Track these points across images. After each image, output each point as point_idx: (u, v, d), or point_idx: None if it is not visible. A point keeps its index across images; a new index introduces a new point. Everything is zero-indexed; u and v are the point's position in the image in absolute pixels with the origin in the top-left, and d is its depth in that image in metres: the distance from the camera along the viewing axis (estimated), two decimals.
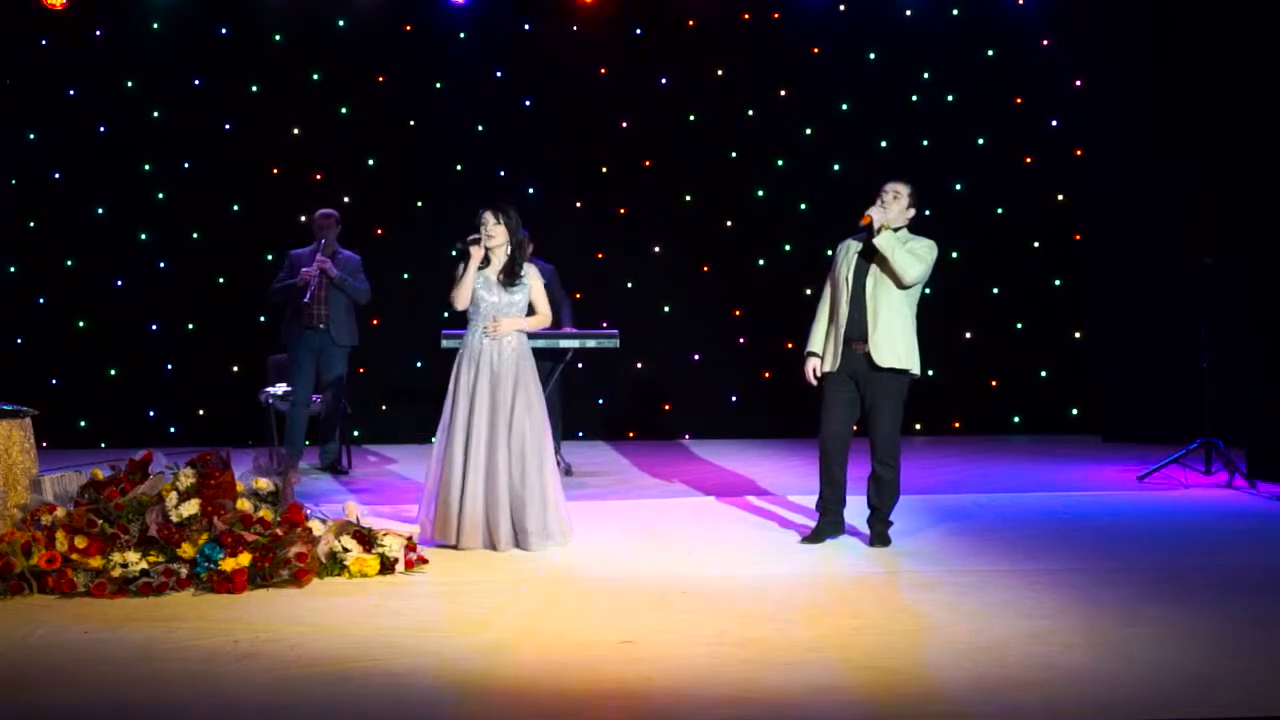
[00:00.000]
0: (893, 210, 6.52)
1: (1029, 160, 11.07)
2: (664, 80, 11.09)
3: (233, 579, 5.67)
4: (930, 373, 10.86)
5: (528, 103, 11.06)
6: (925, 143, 11.10)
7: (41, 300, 10.81)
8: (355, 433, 10.16)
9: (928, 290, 10.51)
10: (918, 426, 10.95)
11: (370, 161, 10.96)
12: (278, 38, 10.90)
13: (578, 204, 11.03)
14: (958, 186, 11.10)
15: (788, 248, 11.08)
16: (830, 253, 6.80)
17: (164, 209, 10.83)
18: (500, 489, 6.49)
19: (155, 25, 10.78)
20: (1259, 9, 9.79)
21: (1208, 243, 8.69)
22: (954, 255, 11.06)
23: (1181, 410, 9.33)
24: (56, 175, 10.79)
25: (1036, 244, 11.10)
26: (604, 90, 11.04)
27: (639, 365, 11.10)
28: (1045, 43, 11.02)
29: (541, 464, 6.59)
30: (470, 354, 6.63)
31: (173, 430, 10.75)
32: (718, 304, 11.05)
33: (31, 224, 10.77)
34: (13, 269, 10.80)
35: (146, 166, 10.84)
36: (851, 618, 5.21)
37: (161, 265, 10.86)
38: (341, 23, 10.91)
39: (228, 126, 10.84)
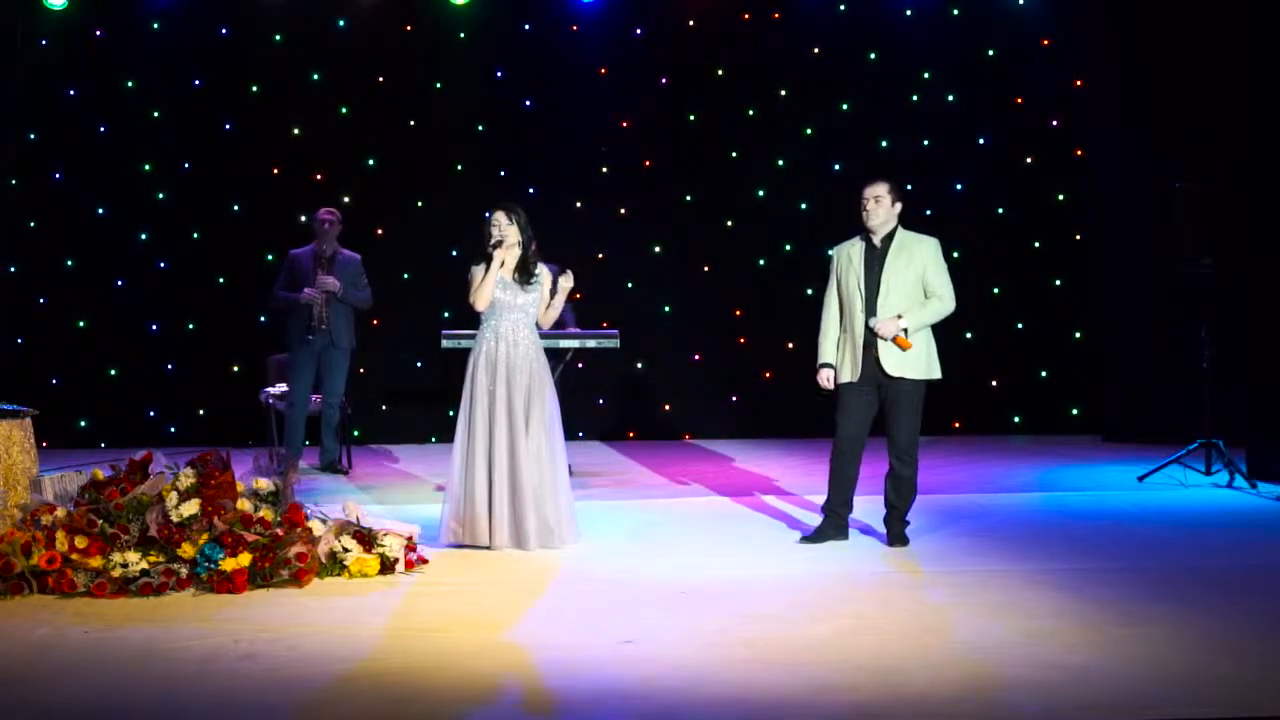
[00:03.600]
0: (879, 215, 6.47)
1: (1029, 160, 11.08)
2: (664, 80, 11.09)
3: (233, 579, 5.67)
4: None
5: (528, 103, 11.06)
6: (925, 143, 11.10)
7: (41, 300, 10.81)
8: (355, 433, 10.16)
9: None
10: None
11: (370, 161, 10.96)
12: (278, 38, 10.91)
13: (578, 204, 11.04)
14: (958, 186, 11.10)
15: (788, 248, 11.09)
16: (830, 254, 6.76)
17: (164, 209, 10.83)
18: (525, 488, 6.52)
19: (155, 25, 10.78)
20: (1259, 9, 9.79)
21: (1208, 243, 8.69)
22: (954, 255, 11.04)
23: (1181, 410, 9.32)
24: (56, 175, 10.79)
25: (1036, 244, 11.10)
26: (604, 90, 11.04)
27: (639, 365, 11.10)
28: (1045, 43, 11.03)
29: (559, 462, 6.65)
30: (486, 355, 6.66)
31: (173, 430, 10.75)
32: (718, 304, 11.06)
33: (31, 224, 10.78)
34: (13, 269, 10.80)
35: (146, 166, 10.84)
36: (851, 618, 5.21)
37: (161, 265, 10.87)
38: (341, 23, 10.92)
39: (228, 126, 10.85)
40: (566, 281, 6.76)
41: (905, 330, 6.37)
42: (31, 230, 10.77)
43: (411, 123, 10.96)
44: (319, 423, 9.31)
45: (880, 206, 6.47)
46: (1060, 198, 11.08)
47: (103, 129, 10.80)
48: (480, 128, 11.03)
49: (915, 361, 6.43)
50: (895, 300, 6.42)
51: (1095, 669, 4.48)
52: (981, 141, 11.11)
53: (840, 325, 6.58)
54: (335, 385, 9.17)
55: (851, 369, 6.49)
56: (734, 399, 11.13)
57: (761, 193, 11.12)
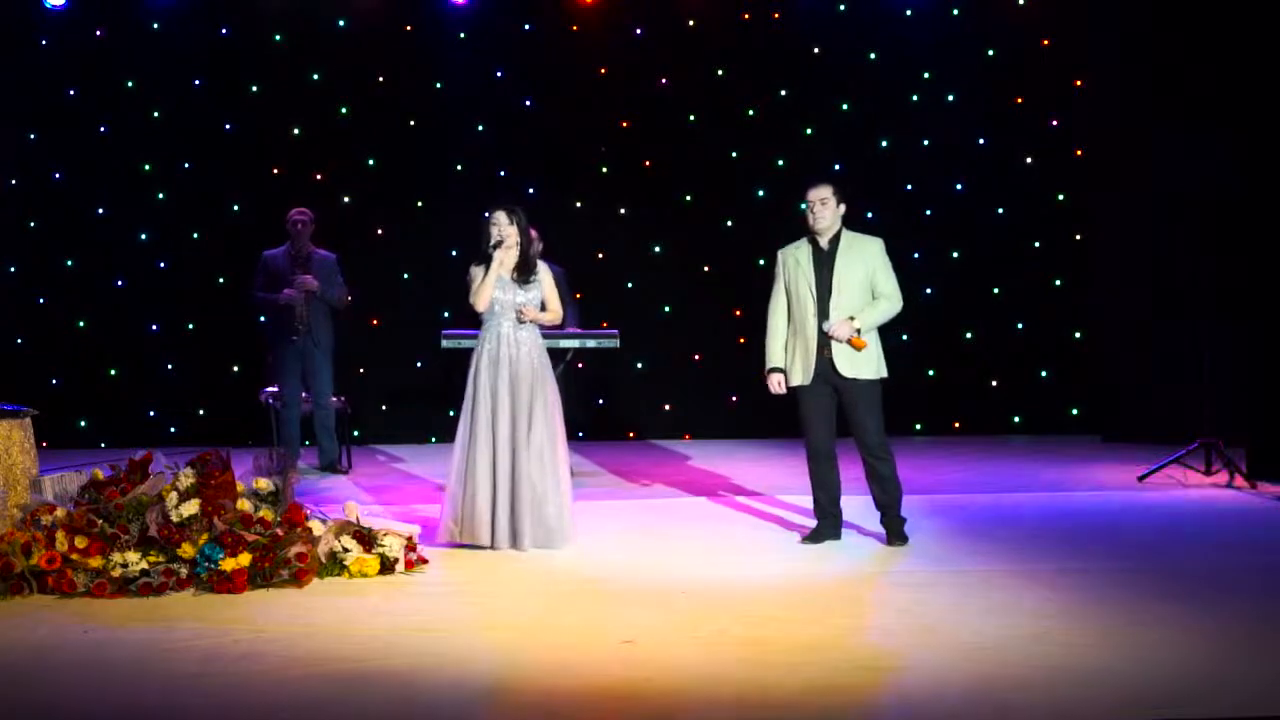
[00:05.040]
0: (825, 218, 6.50)
1: (1029, 160, 11.07)
2: (664, 80, 11.09)
3: (233, 579, 5.67)
4: (930, 373, 10.97)
5: (528, 103, 11.05)
6: (925, 143, 11.10)
7: (41, 300, 10.81)
8: (355, 433, 10.16)
9: (928, 290, 10.60)
10: (918, 427, 10.94)
11: (370, 161, 10.96)
12: (278, 38, 10.90)
13: (578, 204, 11.03)
14: (958, 186, 11.09)
15: None
16: (776, 258, 6.75)
17: (164, 209, 10.83)
18: (525, 489, 6.51)
19: (155, 25, 10.77)
20: (1259, 8, 9.78)
21: (1208, 243, 8.68)
22: (954, 255, 11.07)
23: (1181, 410, 9.32)
24: (56, 175, 10.79)
25: (1036, 244, 11.09)
26: (604, 90, 11.03)
27: (639, 365, 11.10)
28: (1045, 43, 11.02)
29: (559, 463, 6.64)
30: (489, 354, 6.66)
31: (173, 430, 10.74)
32: (718, 304, 11.05)
33: (31, 224, 10.77)
34: (13, 269, 10.80)
35: (146, 166, 10.84)
36: (851, 618, 5.21)
37: (161, 265, 10.86)
38: (341, 23, 10.91)
39: (228, 126, 10.84)
40: (533, 312, 6.73)
41: (859, 331, 6.39)
42: (31, 230, 10.77)
43: (411, 123, 10.95)
44: (314, 424, 9.32)
45: (826, 209, 6.53)
46: (1060, 198, 11.07)
47: (103, 129, 10.79)
48: (480, 128, 11.02)
49: (867, 361, 6.46)
50: (846, 301, 6.46)
51: (1096, 669, 4.48)
52: (981, 141, 11.10)
53: (789, 328, 6.60)
54: (322, 386, 9.20)
55: (803, 371, 6.52)
56: (734, 399, 11.12)
57: (761, 193, 11.12)
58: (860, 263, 6.51)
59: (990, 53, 11.07)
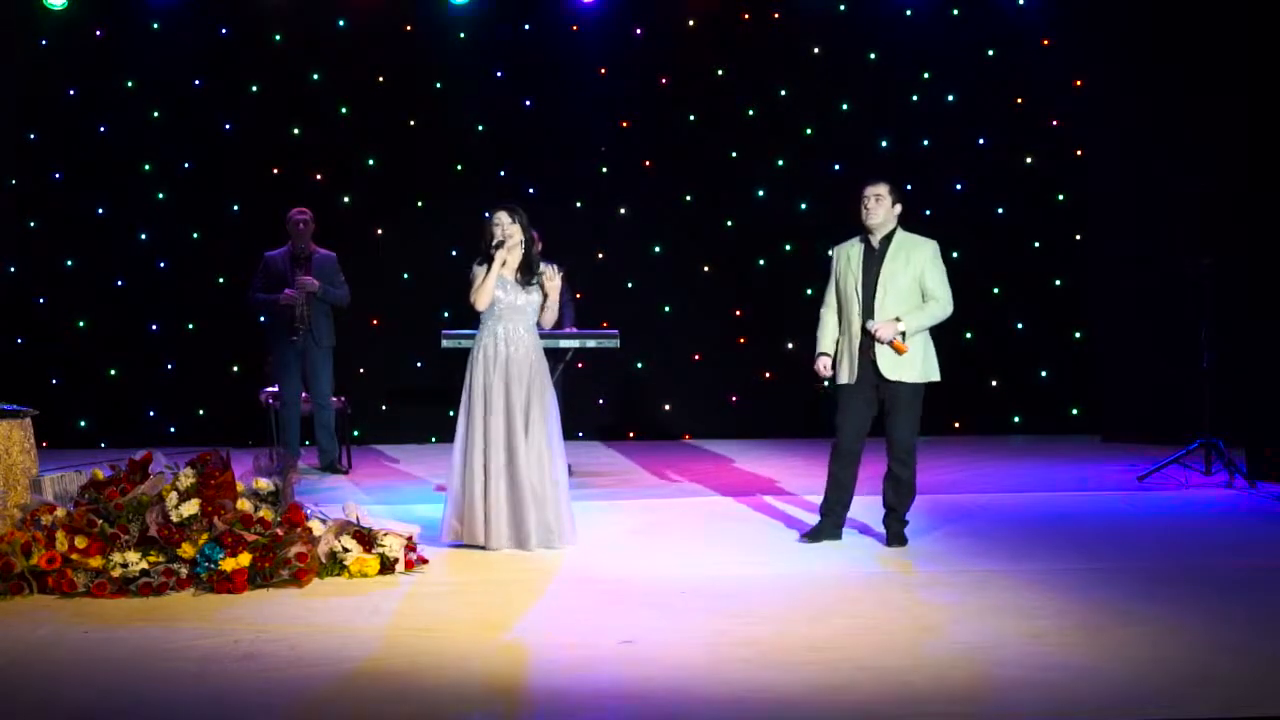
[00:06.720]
0: (879, 214, 6.46)
1: (1029, 160, 11.08)
2: (664, 80, 11.09)
3: (233, 579, 5.67)
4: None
5: (528, 103, 11.06)
6: (925, 143, 11.10)
7: (41, 300, 10.81)
8: (355, 433, 10.16)
9: None
10: None
11: (370, 161, 10.96)
12: (278, 38, 10.90)
13: (578, 204, 11.03)
14: (958, 186, 11.10)
15: (788, 248, 11.09)
16: (830, 254, 6.78)
17: (164, 209, 10.83)
18: (523, 489, 6.52)
19: (155, 25, 10.77)
20: (1259, 8, 9.79)
21: (1208, 243, 8.68)
22: (954, 255, 11.05)
23: (1181, 410, 9.32)
24: (56, 175, 10.79)
25: (1036, 244, 11.10)
26: (604, 90, 11.04)
27: (639, 365, 11.10)
28: (1045, 43, 11.02)
29: (558, 462, 6.65)
30: (485, 355, 6.66)
31: (173, 430, 10.75)
32: (718, 304, 11.06)
33: (31, 224, 10.78)
34: (13, 269, 10.80)
35: (146, 166, 10.84)
36: (851, 618, 5.21)
37: (161, 265, 10.87)
38: (341, 23, 10.91)
39: (228, 126, 10.85)
40: (552, 282, 6.75)
41: (903, 334, 6.37)
42: (31, 230, 10.77)
43: (411, 123, 10.95)
44: (314, 424, 9.32)
45: (880, 206, 6.46)
46: (1060, 198, 11.08)
47: (103, 129, 10.80)
48: (480, 128, 11.03)
49: (911, 364, 6.43)
50: (892, 302, 6.41)
51: (1095, 669, 4.48)
52: (981, 141, 11.11)
53: (839, 326, 6.59)
54: (323, 386, 9.20)
55: (849, 371, 6.49)
56: (734, 399, 11.12)
57: (761, 193, 11.12)
58: (909, 264, 6.43)
59: (990, 53, 11.08)
